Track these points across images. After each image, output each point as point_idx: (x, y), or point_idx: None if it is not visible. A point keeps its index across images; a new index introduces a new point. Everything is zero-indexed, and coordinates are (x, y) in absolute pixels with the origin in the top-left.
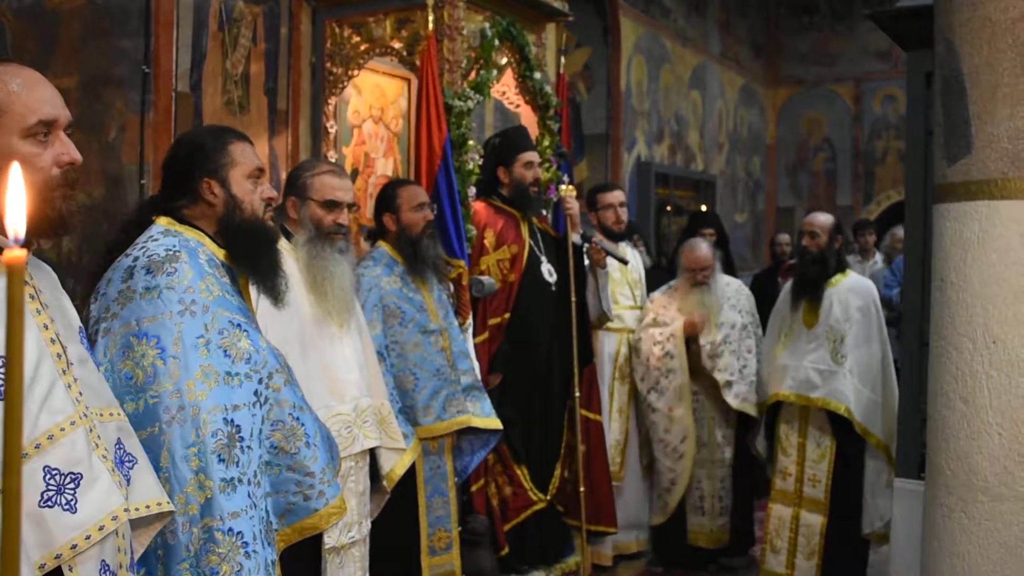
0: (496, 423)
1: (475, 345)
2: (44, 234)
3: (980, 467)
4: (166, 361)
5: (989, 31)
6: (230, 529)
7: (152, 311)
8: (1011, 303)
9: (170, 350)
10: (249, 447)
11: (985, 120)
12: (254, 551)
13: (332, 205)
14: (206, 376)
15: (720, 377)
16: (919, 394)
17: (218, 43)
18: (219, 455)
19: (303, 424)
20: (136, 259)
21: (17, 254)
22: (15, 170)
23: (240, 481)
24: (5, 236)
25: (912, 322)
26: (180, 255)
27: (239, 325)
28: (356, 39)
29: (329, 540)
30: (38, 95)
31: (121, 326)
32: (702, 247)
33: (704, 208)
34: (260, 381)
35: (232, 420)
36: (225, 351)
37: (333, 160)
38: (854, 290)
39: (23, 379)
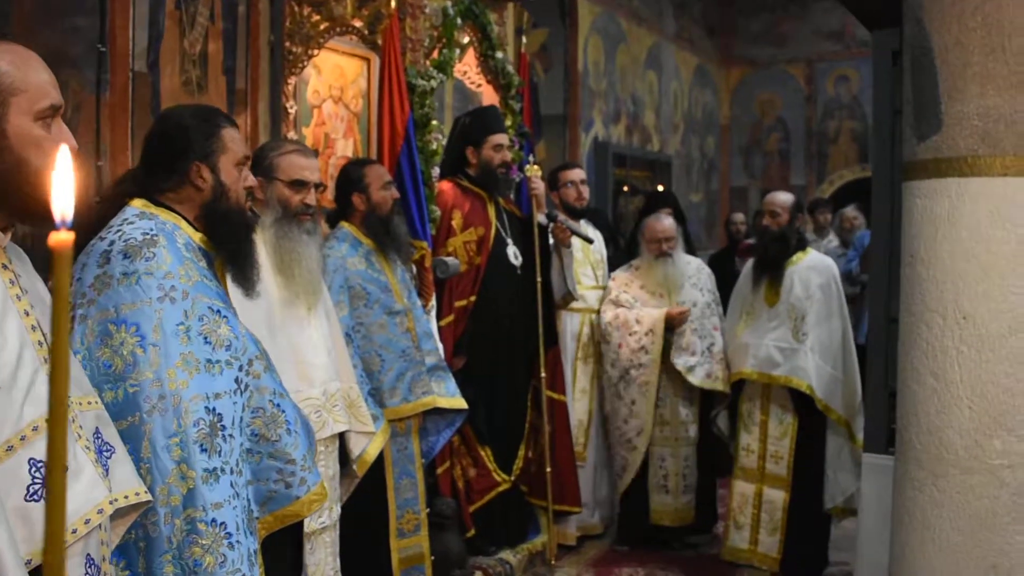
0: (461, 403)
1: (441, 327)
2: (35, 221)
3: (950, 441)
4: (146, 349)
5: (959, 9)
6: (213, 520)
7: (131, 297)
8: (981, 279)
9: (150, 338)
10: (231, 435)
11: (955, 98)
12: (237, 541)
13: (299, 185)
14: (187, 364)
15: (680, 363)
16: (886, 369)
17: (175, 22)
18: (201, 445)
19: (283, 411)
20: (112, 243)
21: (64, 237)
22: (64, 153)
23: (223, 471)
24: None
25: (879, 298)
26: (158, 239)
27: (218, 311)
28: (316, 18)
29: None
30: (48, 78)
31: (99, 313)
32: (665, 219)
33: (661, 188)
34: (240, 368)
35: (214, 409)
36: (205, 338)
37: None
38: (814, 268)
39: (68, 370)
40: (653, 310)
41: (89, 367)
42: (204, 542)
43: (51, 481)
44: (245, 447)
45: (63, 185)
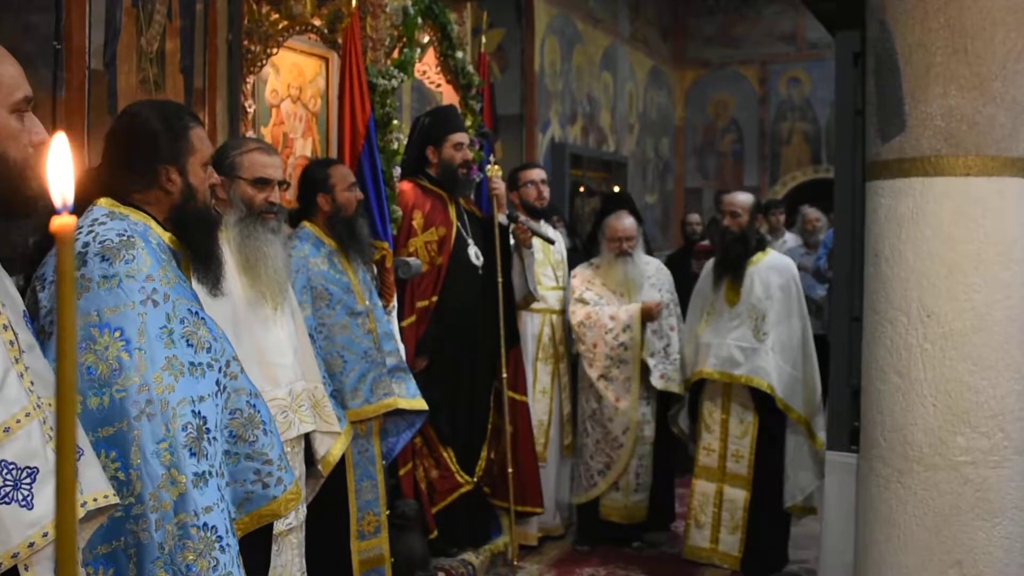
0: (421, 404)
1: (402, 328)
2: (16, 214)
3: (915, 438)
4: (131, 353)
5: (922, 11)
6: (204, 524)
7: (113, 301)
8: (944, 277)
9: (135, 342)
10: (215, 439)
11: (918, 98)
12: (228, 544)
13: (262, 183)
14: (172, 368)
15: (651, 362)
16: (850, 368)
17: (132, 19)
18: (190, 449)
19: (259, 411)
20: (86, 245)
21: (66, 220)
22: (60, 139)
23: (210, 474)
24: None
25: (842, 297)
26: (135, 241)
27: (196, 313)
28: (275, 16)
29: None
30: (18, 71)
31: (80, 317)
32: (627, 219)
33: (617, 189)
34: (220, 370)
35: (199, 412)
36: (188, 341)
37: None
38: (774, 268)
39: (75, 355)
40: (628, 305)
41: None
42: (196, 546)
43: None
44: (224, 449)
45: (63, 169)
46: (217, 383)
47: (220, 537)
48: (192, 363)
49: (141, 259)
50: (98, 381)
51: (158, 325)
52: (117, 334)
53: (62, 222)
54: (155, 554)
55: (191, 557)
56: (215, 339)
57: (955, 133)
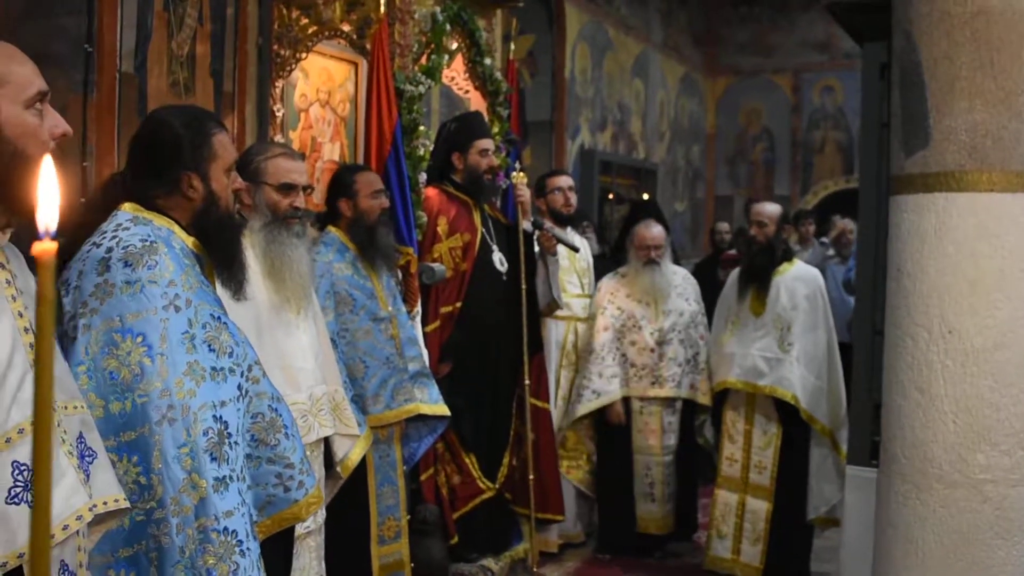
0: (444, 409)
1: (426, 333)
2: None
3: (935, 455)
4: (153, 359)
5: (948, 24)
6: (225, 528)
7: (136, 307)
8: (967, 294)
9: (157, 347)
10: (236, 443)
11: (943, 112)
12: (248, 548)
13: (288, 188)
14: (193, 373)
15: (664, 391)
16: (871, 382)
17: (163, 23)
18: (211, 454)
19: (281, 415)
20: (110, 250)
21: (47, 246)
22: (48, 163)
23: (231, 479)
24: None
25: (865, 310)
26: (158, 246)
27: (219, 318)
28: (304, 21)
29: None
30: (31, 67)
31: (103, 322)
32: (655, 227)
33: (646, 197)
34: (242, 375)
35: (220, 417)
36: (210, 346)
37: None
38: (801, 279)
39: (52, 375)
40: (616, 390)
41: (95, 378)
42: (217, 551)
43: (38, 487)
44: (245, 452)
45: (47, 194)
46: (239, 388)
47: (240, 541)
48: (214, 368)
49: (164, 264)
50: (120, 386)
51: (180, 330)
52: (139, 339)
53: (43, 247)
54: (176, 558)
55: (211, 561)
56: (237, 344)
57: (980, 148)
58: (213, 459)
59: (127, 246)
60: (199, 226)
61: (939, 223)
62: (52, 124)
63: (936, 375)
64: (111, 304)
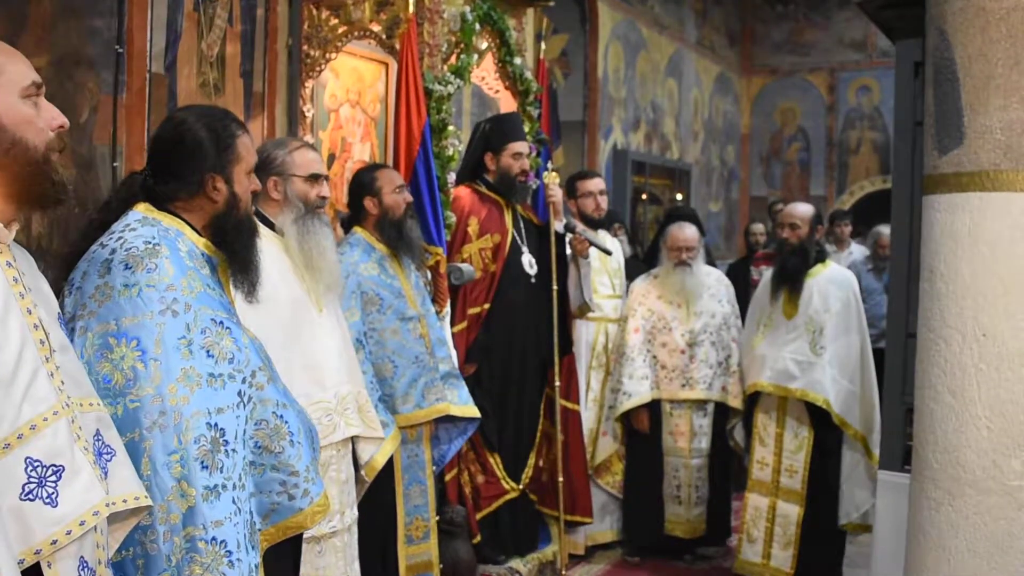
0: (474, 411)
1: (454, 334)
2: (44, 204)
3: (968, 461)
4: (147, 364)
5: (983, 21)
6: (213, 538)
7: (132, 311)
8: (1001, 296)
9: (151, 352)
10: (234, 450)
11: (978, 110)
12: (238, 559)
13: (315, 178)
14: (188, 379)
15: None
16: (903, 386)
17: (193, 23)
18: (202, 462)
19: (286, 422)
20: (113, 251)
21: None
22: None
23: (224, 487)
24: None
25: (898, 313)
26: (160, 249)
27: (221, 323)
28: (334, 21)
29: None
30: (23, 61)
31: (99, 325)
32: (688, 228)
33: (680, 197)
34: (244, 381)
35: (216, 424)
36: (208, 351)
37: (311, 143)
38: (834, 281)
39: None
40: (646, 392)
41: (89, 381)
42: (204, 560)
43: None
44: (248, 460)
45: None
46: (239, 394)
47: (230, 552)
48: (212, 374)
49: (164, 268)
50: (113, 390)
51: (176, 336)
52: (134, 344)
53: None
54: (162, 566)
55: (198, 571)
56: (239, 350)
57: (1015, 147)
58: (204, 467)
59: (130, 248)
60: (218, 228)
61: (973, 223)
62: (50, 116)
63: (969, 379)
64: (108, 308)
